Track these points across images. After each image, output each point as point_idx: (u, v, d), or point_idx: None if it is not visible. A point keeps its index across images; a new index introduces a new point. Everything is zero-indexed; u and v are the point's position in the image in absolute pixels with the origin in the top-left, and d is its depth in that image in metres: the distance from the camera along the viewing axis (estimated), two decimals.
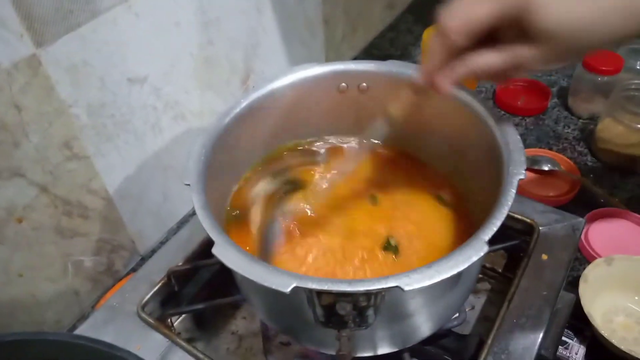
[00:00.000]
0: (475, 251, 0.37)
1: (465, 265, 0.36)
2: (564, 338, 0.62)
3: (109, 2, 0.57)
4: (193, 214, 0.74)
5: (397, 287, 0.36)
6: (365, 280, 0.37)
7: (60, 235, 0.62)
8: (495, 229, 0.39)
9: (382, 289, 0.36)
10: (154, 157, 0.71)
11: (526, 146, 0.88)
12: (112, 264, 0.70)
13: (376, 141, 0.60)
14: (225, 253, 0.39)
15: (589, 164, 0.85)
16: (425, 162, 0.62)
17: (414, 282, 0.36)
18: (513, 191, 0.41)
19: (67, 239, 0.63)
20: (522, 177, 0.42)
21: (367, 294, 0.38)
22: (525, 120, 0.94)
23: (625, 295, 0.65)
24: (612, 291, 0.64)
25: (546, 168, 0.82)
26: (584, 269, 0.64)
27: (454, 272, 0.36)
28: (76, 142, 0.59)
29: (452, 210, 0.56)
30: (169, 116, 0.70)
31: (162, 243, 0.74)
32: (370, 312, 0.40)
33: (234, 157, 0.56)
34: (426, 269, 0.37)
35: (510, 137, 0.46)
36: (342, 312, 0.38)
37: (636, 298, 0.65)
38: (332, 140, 0.64)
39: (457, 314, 0.53)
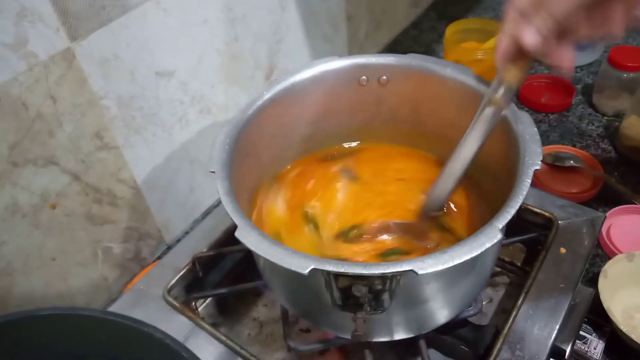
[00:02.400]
0: (489, 238, 0.38)
1: (479, 251, 0.37)
2: (582, 333, 0.62)
3: None
4: (217, 205, 0.76)
5: (411, 270, 0.37)
6: (380, 264, 0.38)
7: (91, 222, 0.64)
8: (509, 217, 0.40)
9: (397, 272, 0.37)
10: (181, 149, 0.73)
11: (549, 143, 0.88)
12: (139, 252, 0.73)
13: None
14: (247, 236, 0.41)
15: (613, 161, 0.84)
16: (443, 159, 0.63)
17: (427, 266, 0.37)
18: (528, 181, 0.42)
19: (97, 226, 0.65)
20: (537, 167, 0.43)
21: (382, 277, 0.39)
22: (549, 117, 0.93)
23: None
24: (633, 288, 0.64)
25: (569, 164, 0.82)
26: (605, 264, 0.64)
27: (467, 257, 0.37)
28: (106, 133, 0.62)
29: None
30: (195, 110, 0.73)
31: (188, 233, 0.76)
32: (385, 296, 0.41)
33: (259, 148, 0.58)
34: (440, 254, 0.38)
35: (527, 129, 0.47)
36: (358, 295, 0.40)
37: None
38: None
39: (473, 304, 0.54)
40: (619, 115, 0.90)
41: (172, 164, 0.73)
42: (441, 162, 0.62)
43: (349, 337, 0.47)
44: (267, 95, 0.55)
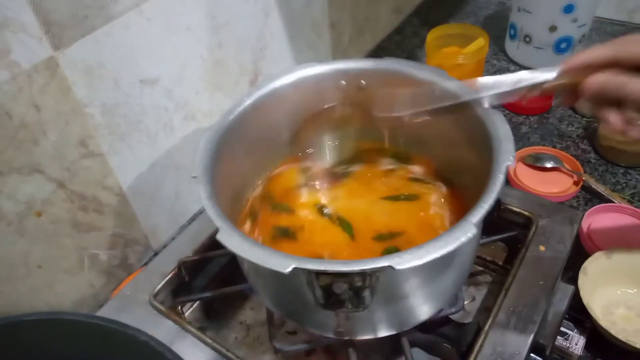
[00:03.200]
0: (464, 232, 0.39)
1: (454, 246, 0.38)
2: (563, 329, 0.63)
3: (122, 7, 0.60)
4: (203, 210, 0.77)
5: (389, 266, 0.38)
6: (359, 261, 0.39)
7: (77, 229, 0.65)
8: (483, 212, 0.41)
9: (376, 268, 0.38)
10: (166, 155, 0.74)
11: (530, 144, 0.89)
12: (126, 258, 0.73)
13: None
14: (229, 239, 0.42)
15: (592, 161, 0.86)
16: (418, 157, 0.65)
17: (405, 261, 0.38)
18: (501, 176, 0.43)
19: (83, 233, 0.66)
20: (509, 163, 0.44)
21: (362, 274, 0.40)
22: (530, 119, 0.95)
23: (625, 288, 0.66)
24: (612, 284, 0.65)
25: (549, 165, 0.83)
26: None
27: (443, 252, 0.38)
28: (91, 141, 0.62)
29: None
30: (179, 116, 0.73)
31: (174, 238, 0.77)
32: (366, 293, 0.42)
33: (241, 153, 0.59)
34: (417, 249, 0.39)
35: (500, 128, 0.48)
36: (339, 292, 0.40)
37: (636, 290, 0.65)
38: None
39: (454, 302, 0.55)
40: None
41: (158, 170, 0.73)
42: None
43: (332, 335, 0.48)
44: (248, 101, 0.56)
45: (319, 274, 0.40)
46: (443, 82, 0.56)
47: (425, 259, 0.38)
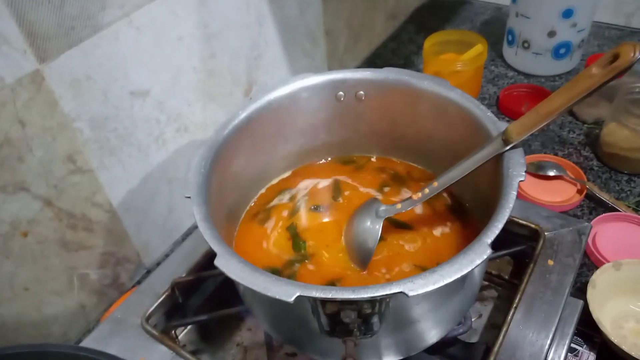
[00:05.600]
0: (478, 254, 0.37)
1: (469, 269, 0.36)
2: (573, 345, 0.61)
3: (111, 17, 0.57)
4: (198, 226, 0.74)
5: (401, 292, 0.36)
6: (369, 287, 0.36)
7: (65, 249, 0.62)
8: (497, 231, 0.39)
9: (387, 295, 0.36)
10: (158, 169, 0.71)
11: (531, 152, 0.87)
12: (117, 277, 0.70)
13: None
14: (227, 264, 0.39)
15: (595, 168, 0.84)
16: (425, 170, 0.63)
17: (418, 287, 0.36)
18: (514, 193, 0.41)
19: (72, 252, 0.63)
20: (522, 178, 0.42)
21: (372, 301, 0.37)
22: None
23: (635, 301, 0.64)
24: (621, 296, 0.64)
25: (552, 173, 0.82)
26: (593, 274, 0.63)
27: (458, 275, 0.36)
28: (80, 156, 0.60)
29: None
30: (172, 129, 0.71)
31: (168, 255, 0.74)
32: (375, 319, 0.40)
33: (236, 169, 0.57)
34: (430, 273, 0.36)
35: None
36: (347, 320, 0.38)
37: None
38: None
39: (462, 321, 0.53)
40: (598, 123, 0.90)
41: (150, 184, 0.70)
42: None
43: None
44: (243, 115, 0.54)
45: (325, 301, 0.38)
46: (444, 91, 0.55)
47: (439, 284, 0.35)
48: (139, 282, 0.73)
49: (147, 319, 0.56)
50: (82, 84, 0.57)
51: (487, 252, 0.37)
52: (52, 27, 0.52)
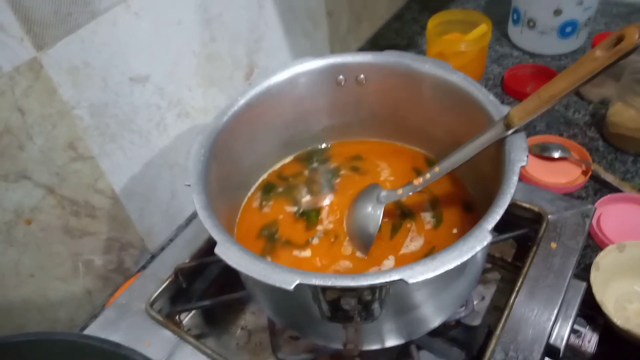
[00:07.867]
0: (479, 241, 0.37)
1: (469, 256, 0.36)
2: (576, 326, 0.61)
3: (108, 2, 0.57)
4: None
5: (401, 280, 0.35)
6: (369, 275, 0.36)
7: (69, 235, 0.62)
8: (498, 217, 0.38)
9: (386, 282, 0.36)
10: (160, 155, 0.71)
11: (536, 133, 0.87)
12: (122, 262, 0.71)
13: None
14: (227, 252, 0.39)
15: (601, 149, 0.83)
16: (425, 154, 0.62)
17: (417, 274, 0.35)
18: (515, 178, 0.41)
19: (76, 239, 0.63)
20: (523, 163, 0.42)
21: (372, 288, 0.38)
22: None
23: (639, 282, 0.64)
24: (624, 278, 0.63)
25: (556, 155, 0.81)
26: (596, 256, 0.63)
27: (458, 262, 0.36)
28: (80, 143, 0.60)
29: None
30: (173, 114, 0.70)
31: (172, 240, 0.74)
32: (375, 305, 0.40)
33: (236, 155, 0.56)
34: (430, 260, 0.36)
35: None
36: (347, 307, 0.38)
37: None
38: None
39: (465, 304, 0.53)
40: (604, 102, 0.89)
41: (152, 170, 0.70)
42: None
43: (339, 346, 0.46)
44: (242, 101, 0.53)
45: (325, 288, 0.38)
46: (446, 74, 0.54)
47: (439, 271, 0.35)
48: (143, 267, 0.73)
49: (152, 304, 0.56)
50: (81, 71, 0.57)
51: (488, 238, 0.37)
52: (48, 14, 0.52)
